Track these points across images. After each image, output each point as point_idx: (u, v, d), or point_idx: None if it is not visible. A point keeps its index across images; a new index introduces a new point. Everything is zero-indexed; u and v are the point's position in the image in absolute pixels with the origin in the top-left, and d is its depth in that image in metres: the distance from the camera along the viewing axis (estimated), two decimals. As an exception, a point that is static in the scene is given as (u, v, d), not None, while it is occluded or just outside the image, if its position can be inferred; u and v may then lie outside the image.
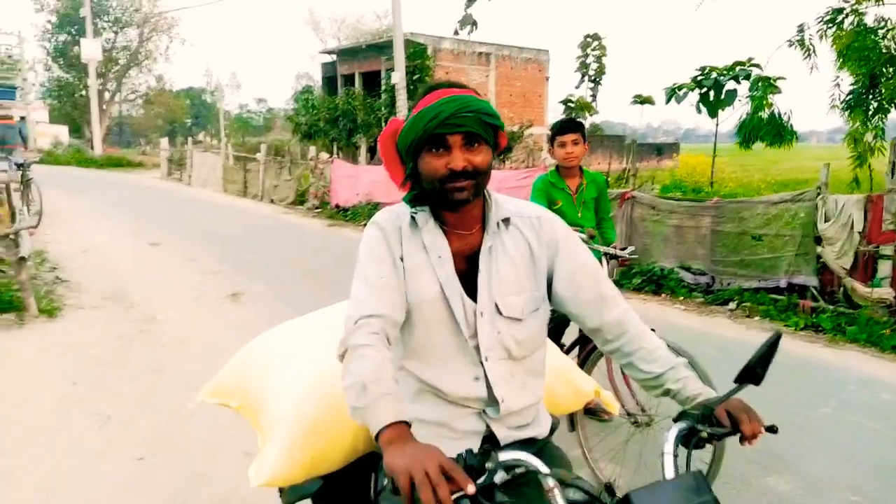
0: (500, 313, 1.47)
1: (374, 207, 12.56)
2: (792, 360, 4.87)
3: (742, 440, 1.32)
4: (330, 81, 29.37)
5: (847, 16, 8.03)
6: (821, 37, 8.41)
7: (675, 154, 28.29)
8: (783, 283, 6.57)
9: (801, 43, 8.64)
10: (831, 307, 6.06)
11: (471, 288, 1.47)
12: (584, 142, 3.40)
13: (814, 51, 8.59)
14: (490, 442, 1.50)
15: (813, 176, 17.61)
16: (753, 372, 1.30)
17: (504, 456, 1.25)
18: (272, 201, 16.49)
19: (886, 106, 8.14)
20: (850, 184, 8.78)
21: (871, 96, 8.33)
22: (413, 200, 1.51)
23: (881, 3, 8.15)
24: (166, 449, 3.50)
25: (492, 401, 1.48)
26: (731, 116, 12.38)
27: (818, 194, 6.43)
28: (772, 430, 1.34)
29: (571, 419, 3.14)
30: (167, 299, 6.63)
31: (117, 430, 3.73)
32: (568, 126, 3.36)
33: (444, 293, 1.45)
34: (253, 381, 2.03)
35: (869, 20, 8.42)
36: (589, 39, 18.32)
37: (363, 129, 20.70)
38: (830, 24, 8.20)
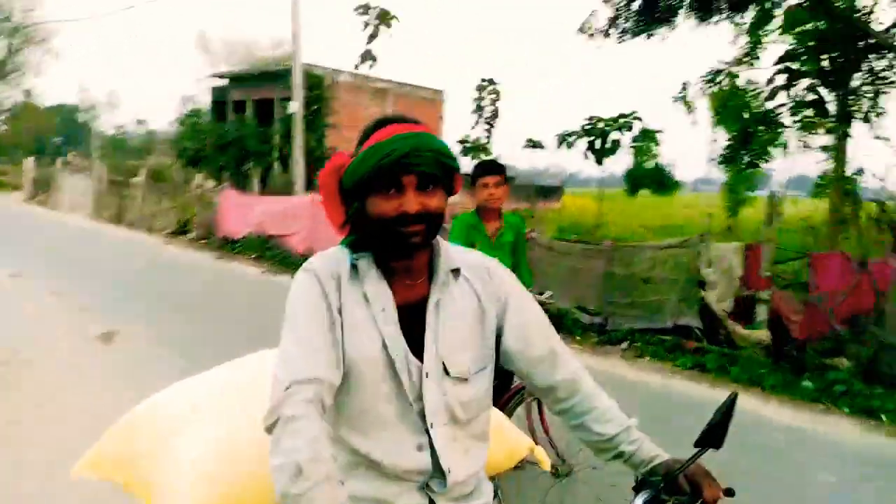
0: (448, 373, 1.33)
1: (266, 240, 12.04)
2: (682, 401, 5.05)
3: None
4: (219, 106, 28.23)
5: (725, 76, 8.79)
6: (703, 94, 9.14)
7: (559, 197, 29.54)
8: (669, 324, 6.88)
9: (684, 99, 9.34)
10: (715, 348, 6.40)
11: (414, 344, 1.33)
12: (506, 183, 3.36)
13: (694, 107, 9.31)
14: None
15: (682, 222, 19.05)
16: (714, 435, 1.28)
17: None
18: (150, 230, 15.45)
19: (756, 161, 8.94)
20: (723, 231, 9.51)
21: (743, 152, 9.12)
22: (353, 245, 1.36)
23: (752, 65, 9.01)
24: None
25: (436, 472, 1.33)
26: (616, 163, 13.16)
27: (701, 241, 6.84)
28: (729, 493, 1.32)
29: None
30: (27, 338, 5.89)
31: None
32: (490, 167, 3.32)
33: (387, 351, 1.29)
34: (144, 452, 1.75)
35: (743, 82, 9.30)
36: (484, 83, 18.85)
37: (255, 158, 19.99)
38: (710, 84, 8.93)
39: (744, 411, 5.07)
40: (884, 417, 4.91)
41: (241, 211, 12.95)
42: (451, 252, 1.41)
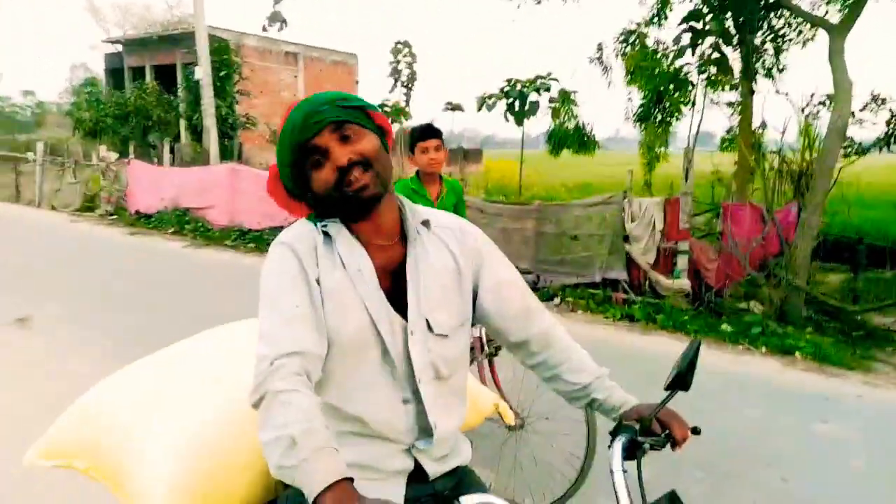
0: (431, 330, 1.34)
1: (183, 213, 11.52)
2: (617, 349, 5.30)
3: (674, 446, 1.35)
4: (115, 74, 26.49)
5: (636, 37, 9.02)
6: (616, 56, 9.35)
7: (479, 159, 29.72)
8: (598, 278, 7.15)
9: (601, 60, 9.53)
10: (640, 298, 6.71)
11: (395, 304, 1.33)
12: (444, 147, 3.36)
13: (610, 68, 9.52)
14: (416, 478, 1.37)
15: (596, 180, 19.59)
16: (683, 379, 1.34)
17: (468, 501, 1.17)
18: (54, 208, 14.46)
19: (669, 119, 9.29)
20: (642, 186, 9.89)
21: (656, 110, 9.46)
22: (319, 217, 1.34)
23: (661, 26, 9.29)
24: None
25: (421, 431, 1.35)
26: (536, 125, 13.33)
27: (625, 197, 7.09)
28: (695, 431, 1.39)
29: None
30: (-71, 330, 5.44)
31: None
32: (429, 132, 3.30)
33: (368, 312, 1.29)
34: (107, 434, 1.66)
35: (652, 42, 9.57)
36: (400, 46, 18.54)
37: (161, 128, 18.95)
38: (623, 44, 9.14)
39: (671, 355, 5.36)
40: (798, 354, 5.33)
41: (153, 184, 12.32)
42: (418, 209, 1.42)
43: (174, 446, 1.54)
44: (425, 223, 1.39)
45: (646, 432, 1.34)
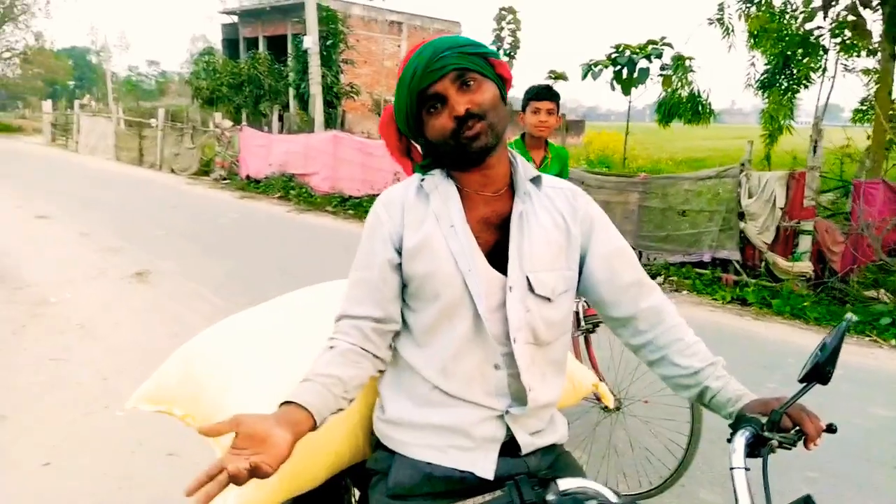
0: (532, 290, 1.26)
1: (290, 179, 11.95)
2: (726, 334, 4.96)
3: (806, 444, 1.19)
4: (231, 44, 27.78)
5: (762, -4, 8.28)
6: (740, 17, 8.62)
7: (581, 131, 28.93)
8: (707, 258, 6.74)
9: (721, 22, 8.84)
10: (754, 281, 6.25)
11: (498, 261, 1.27)
12: (558, 113, 3.18)
13: (732, 30, 8.81)
14: (509, 450, 1.29)
15: (707, 155, 18.45)
16: (822, 370, 1.17)
17: (565, 484, 1.06)
18: (173, 171, 15.43)
19: (796, 87, 8.51)
20: (761, 161, 9.16)
21: (782, 77, 8.69)
22: (426, 168, 1.34)
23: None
24: (78, 451, 3.03)
25: (515, 398, 1.27)
26: (642, 96, 12.62)
27: (742, 171, 6.59)
28: (831, 429, 1.23)
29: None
30: (62, 279, 5.92)
31: (14, 431, 3.20)
32: (545, 93, 3.11)
33: (459, 268, 1.24)
34: (205, 385, 1.67)
35: (779, 2, 8.77)
36: (504, 12, 18.19)
37: (271, 96, 19.69)
38: (748, 5, 8.42)
39: (787, 343, 5.00)
40: (935, 349, 4.79)
41: (262, 151, 12.84)
42: (529, 167, 1.36)
43: (272, 399, 1.53)
44: (535, 180, 1.34)
45: (772, 427, 1.19)
